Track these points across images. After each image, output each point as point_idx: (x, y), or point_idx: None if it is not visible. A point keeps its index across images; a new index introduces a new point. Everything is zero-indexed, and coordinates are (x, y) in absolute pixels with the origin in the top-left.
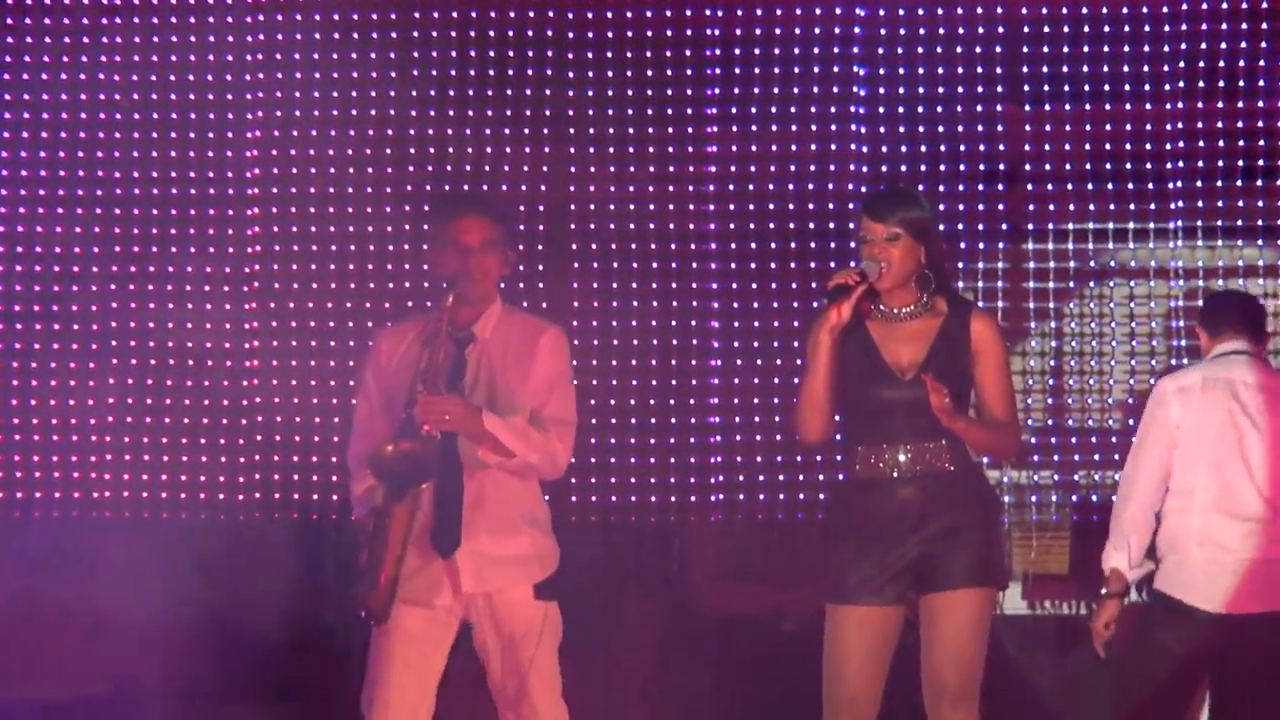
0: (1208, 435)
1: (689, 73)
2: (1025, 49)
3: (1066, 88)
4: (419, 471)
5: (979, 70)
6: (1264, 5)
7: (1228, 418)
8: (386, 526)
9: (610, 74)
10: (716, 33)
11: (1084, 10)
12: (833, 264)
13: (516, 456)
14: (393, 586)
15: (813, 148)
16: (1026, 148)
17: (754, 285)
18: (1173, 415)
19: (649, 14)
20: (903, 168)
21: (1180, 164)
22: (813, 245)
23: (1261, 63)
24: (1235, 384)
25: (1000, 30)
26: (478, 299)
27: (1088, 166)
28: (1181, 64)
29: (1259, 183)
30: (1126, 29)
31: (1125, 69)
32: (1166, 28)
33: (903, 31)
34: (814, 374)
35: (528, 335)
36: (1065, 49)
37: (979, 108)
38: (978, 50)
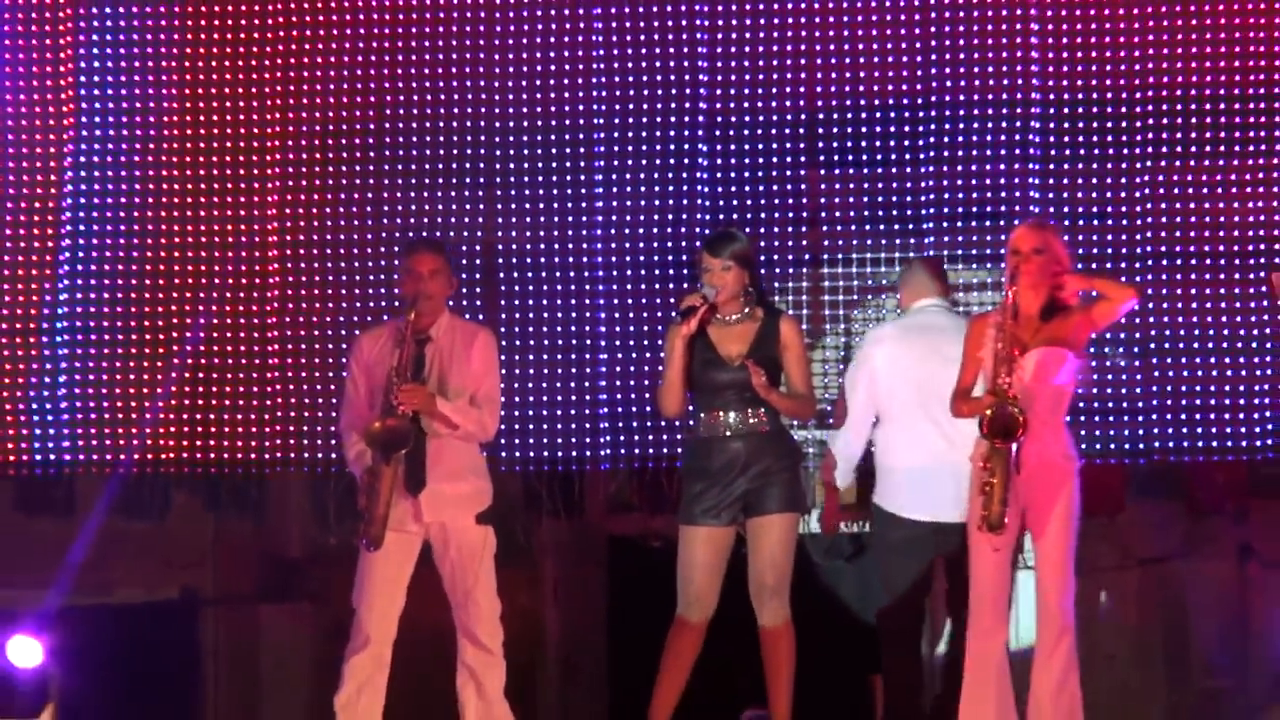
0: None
1: (579, 150)
2: (827, 127)
3: (857, 156)
4: (401, 441)
5: (787, 145)
6: None
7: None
8: (378, 480)
9: (518, 155)
10: (601, 107)
11: (876, 100)
12: (684, 285)
13: (460, 429)
14: (384, 522)
15: (670, 204)
16: (822, 201)
17: (629, 300)
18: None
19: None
20: (734, 216)
21: (931, 211)
22: (670, 272)
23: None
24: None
25: (804, 114)
26: (431, 311)
27: (865, 213)
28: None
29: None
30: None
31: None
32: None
33: (743, 117)
34: (671, 367)
35: (468, 337)
36: (862, 125)
37: (788, 172)
38: (785, 130)
